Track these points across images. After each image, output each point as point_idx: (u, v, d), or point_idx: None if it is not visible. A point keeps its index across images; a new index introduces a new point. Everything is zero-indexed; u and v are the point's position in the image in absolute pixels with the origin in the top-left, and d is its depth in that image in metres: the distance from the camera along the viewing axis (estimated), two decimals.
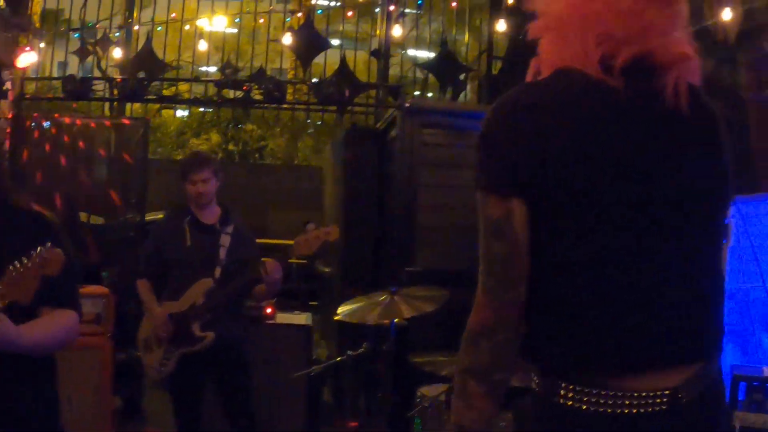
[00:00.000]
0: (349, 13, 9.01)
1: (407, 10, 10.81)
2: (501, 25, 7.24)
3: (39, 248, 2.30)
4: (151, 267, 5.14)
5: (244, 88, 8.74)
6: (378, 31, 9.50)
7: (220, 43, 10.54)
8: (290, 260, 5.42)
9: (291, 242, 5.00)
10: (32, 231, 2.56)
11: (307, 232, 4.90)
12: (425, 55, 10.67)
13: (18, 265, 2.29)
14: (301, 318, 6.42)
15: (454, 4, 8.68)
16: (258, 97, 8.77)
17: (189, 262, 4.98)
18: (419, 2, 9.54)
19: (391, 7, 8.91)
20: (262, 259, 4.89)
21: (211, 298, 4.87)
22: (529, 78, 1.89)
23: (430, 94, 11.03)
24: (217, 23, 10.26)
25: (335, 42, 10.02)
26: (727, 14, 7.11)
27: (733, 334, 5.55)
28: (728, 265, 5.59)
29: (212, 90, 9.05)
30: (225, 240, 5.04)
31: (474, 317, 1.82)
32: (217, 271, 4.95)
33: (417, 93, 10.80)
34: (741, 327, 5.57)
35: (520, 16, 8.30)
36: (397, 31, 8.37)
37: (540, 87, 1.82)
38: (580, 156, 1.70)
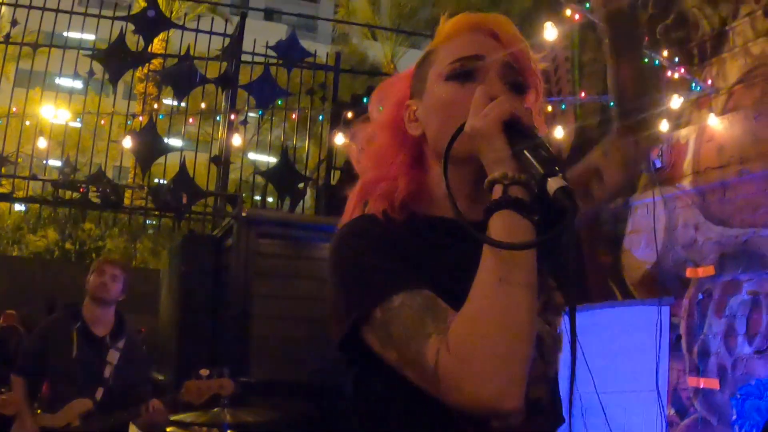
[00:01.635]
0: (190, 120, 8.96)
1: (251, 114, 10.87)
2: (340, 139, 7.36)
3: None
4: (29, 366, 4.77)
5: (81, 189, 8.55)
6: (220, 134, 9.52)
7: (61, 137, 10.32)
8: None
9: None
10: None
11: (201, 380, 4.67)
12: (268, 159, 10.71)
13: None
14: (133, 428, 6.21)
15: (294, 116, 8.78)
16: (95, 199, 8.60)
17: (71, 375, 4.62)
18: (260, 113, 9.57)
19: (233, 116, 8.95)
20: (152, 400, 4.63)
21: (88, 422, 4.53)
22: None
23: (270, 199, 11.06)
24: (61, 116, 10.04)
25: (176, 142, 9.98)
26: (559, 132, 7.45)
27: None
28: (560, 373, 5.75)
29: (50, 188, 8.82)
30: (113, 356, 4.73)
31: None
32: (100, 392, 4.64)
33: (258, 197, 10.82)
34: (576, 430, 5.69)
35: None
36: (237, 140, 8.39)
37: None
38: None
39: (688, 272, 6.34)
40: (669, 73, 6.48)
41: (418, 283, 1.51)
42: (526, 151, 1.48)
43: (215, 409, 5.01)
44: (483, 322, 1.41)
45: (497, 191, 1.48)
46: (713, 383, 5.97)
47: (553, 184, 1.41)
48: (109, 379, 4.69)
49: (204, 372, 4.69)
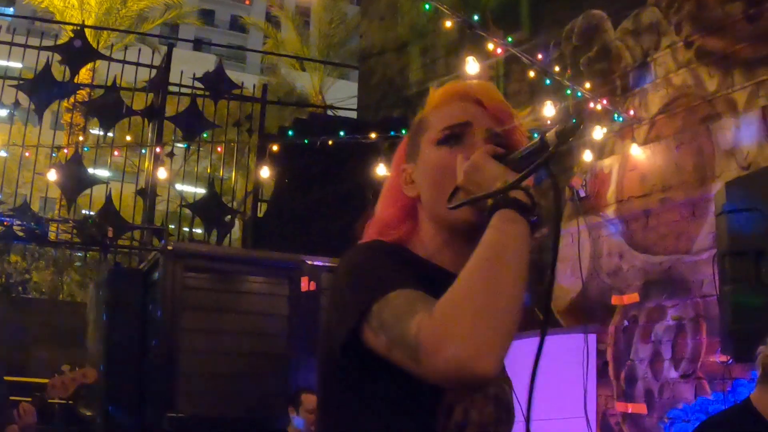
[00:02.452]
0: (116, 153, 8.80)
1: (178, 146, 10.74)
2: (264, 172, 7.28)
3: None
4: None
5: (5, 223, 8.33)
6: (146, 166, 9.36)
7: None
8: (51, 401, 5.13)
9: None
10: None
11: (63, 374, 4.66)
12: (195, 191, 10.57)
13: None
14: None
15: (219, 149, 8.67)
16: (20, 233, 8.38)
17: None
18: (185, 145, 9.45)
19: (158, 149, 8.81)
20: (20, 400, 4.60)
21: None
22: None
23: (199, 230, 10.89)
24: None
25: (103, 174, 9.80)
26: None
27: None
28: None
29: None
30: None
31: None
32: None
33: (186, 229, 10.64)
34: None
35: (285, 162, 8.41)
36: (162, 173, 8.24)
37: None
38: None
39: (614, 299, 6.38)
40: (592, 105, 6.54)
41: (417, 286, 1.58)
42: (518, 156, 1.65)
43: None
44: (467, 288, 1.48)
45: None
46: (641, 408, 6.00)
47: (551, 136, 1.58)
48: None
49: (65, 367, 4.71)
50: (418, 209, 1.87)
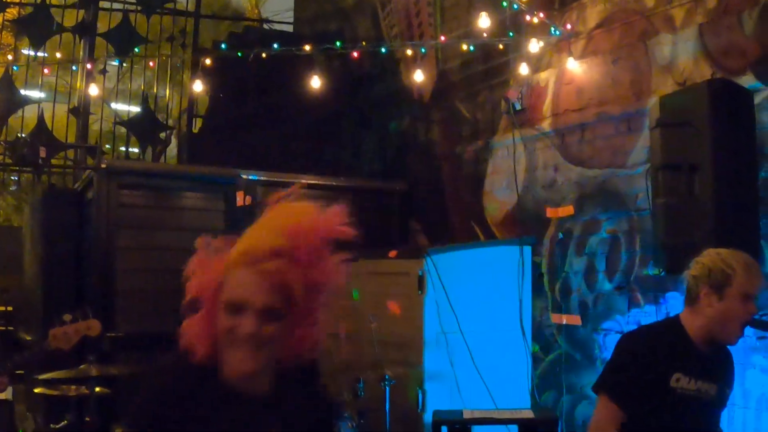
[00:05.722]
0: (46, 71, 8.41)
1: (111, 63, 10.37)
2: (198, 86, 7.00)
3: None
4: None
5: None
6: (79, 84, 9.03)
7: None
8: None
9: None
10: None
11: (66, 325, 4.42)
12: (129, 109, 10.26)
13: None
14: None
15: (152, 64, 8.33)
16: None
17: None
18: (116, 61, 9.10)
19: (89, 65, 8.46)
20: None
21: None
22: None
23: (135, 149, 10.58)
24: None
25: (34, 94, 9.45)
26: (419, 75, 7.29)
27: (437, 379, 5.61)
28: (428, 313, 5.67)
29: None
30: None
31: None
32: None
33: (122, 149, 10.32)
34: (443, 371, 5.64)
35: (219, 76, 8.13)
36: (95, 90, 7.90)
37: None
38: None
39: (549, 212, 6.32)
40: (528, 18, 6.38)
41: None
42: None
43: (82, 366, 4.88)
44: None
45: None
46: (575, 320, 5.99)
47: None
48: None
49: (67, 317, 4.47)
50: None
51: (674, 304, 5.05)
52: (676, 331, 3.38)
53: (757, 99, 4.65)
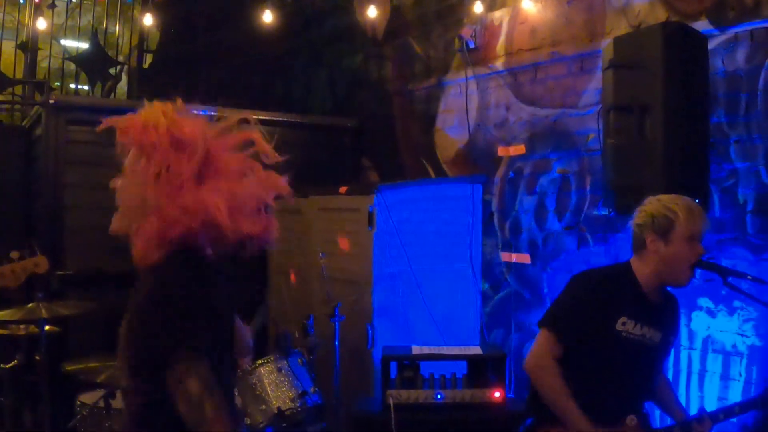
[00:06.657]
0: None
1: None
2: (148, 20, 6.82)
3: None
4: None
5: None
6: (26, 20, 8.77)
7: None
8: None
9: None
10: None
11: (13, 262, 4.30)
12: (79, 45, 10.00)
13: None
14: None
15: None
16: None
17: None
18: None
19: (37, 0, 8.21)
20: None
21: None
22: None
23: (86, 87, 10.34)
24: None
25: None
26: (372, 11, 7.16)
27: (386, 315, 5.61)
28: (377, 249, 5.65)
29: None
30: None
31: None
32: None
33: (72, 86, 10.07)
34: (393, 308, 5.64)
35: (170, 11, 7.93)
36: (42, 24, 7.67)
37: None
38: None
39: (500, 151, 6.29)
40: None
41: None
42: None
43: (30, 305, 4.80)
44: None
45: None
46: (525, 258, 6.00)
47: None
48: None
49: (15, 254, 4.36)
50: None
51: (623, 245, 5.08)
52: (627, 277, 3.42)
53: (712, 44, 4.63)
